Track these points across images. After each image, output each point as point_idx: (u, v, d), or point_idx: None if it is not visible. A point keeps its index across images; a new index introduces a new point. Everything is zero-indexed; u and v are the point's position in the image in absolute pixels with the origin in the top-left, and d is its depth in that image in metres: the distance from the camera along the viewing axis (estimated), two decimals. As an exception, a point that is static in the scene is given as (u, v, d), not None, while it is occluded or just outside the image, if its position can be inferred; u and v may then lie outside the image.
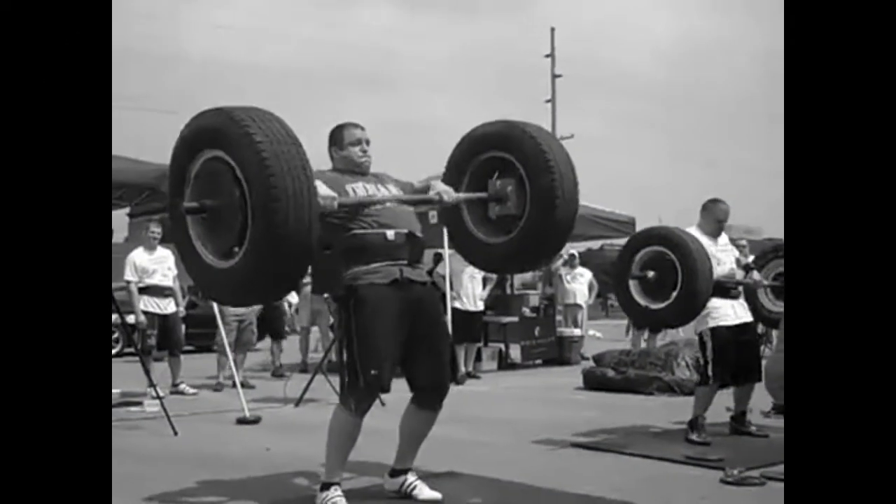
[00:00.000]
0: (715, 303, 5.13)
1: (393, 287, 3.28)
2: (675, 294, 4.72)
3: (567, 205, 3.50)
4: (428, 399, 3.48)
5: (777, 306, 5.55)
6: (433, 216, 8.49)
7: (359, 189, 3.41)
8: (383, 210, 3.37)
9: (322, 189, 3.08)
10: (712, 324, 5.14)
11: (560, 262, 11.49)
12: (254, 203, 2.68)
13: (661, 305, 4.84)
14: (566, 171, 3.50)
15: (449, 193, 3.49)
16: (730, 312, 5.18)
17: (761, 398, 5.61)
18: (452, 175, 3.77)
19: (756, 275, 5.47)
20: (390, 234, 3.32)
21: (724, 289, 5.18)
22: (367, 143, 3.55)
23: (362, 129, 3.58)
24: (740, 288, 5.32)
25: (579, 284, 11.67)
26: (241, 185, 2.72)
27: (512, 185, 3.55)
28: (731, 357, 5.12)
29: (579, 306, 11.61)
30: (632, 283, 4.95)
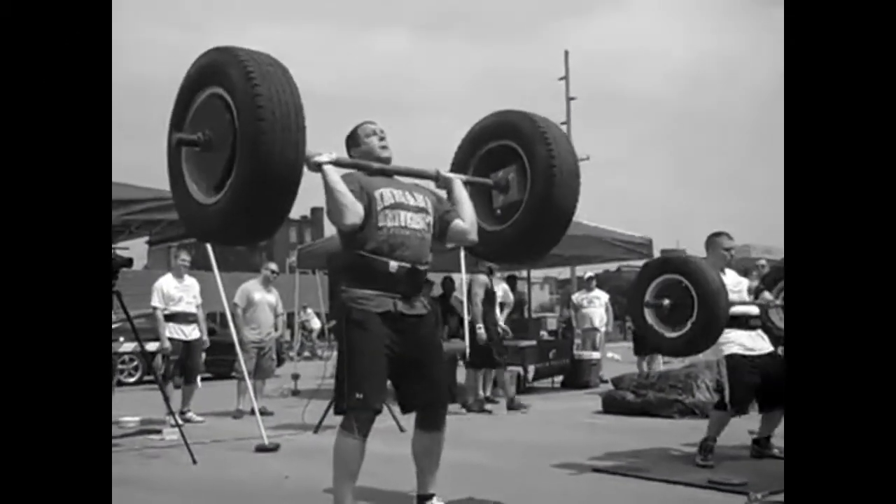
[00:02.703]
0: (729, 334, 5.11)
1: (384, 317, 3.30)
2: (690, 322, 4.71)
3: (566, 178, 3.49)
4: (427, 419, 3.47)
5: None
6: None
7: (386, 195, 3.40)
8: (396, 234, 3.36)
9: (335, 175, 3.19)
10: (726, 351, 5.16)
11: (577, 293, 11.50)
12: (241, 132, 2.68)
13: (678, 334, 4.83)
14: (563, 147, 3.51)
15: (449, 174, 3.61)
16: (744, 341, 5.19)
17: (784, 421, 5.54)
18: (458, 167, 3.80)
19: (767, 295, 5.45)
20: (393, 266, 3.32)
21: (740, 320, 5.17)
22: (383, 132, 3.58)
23: (374, 122, 3.62)
24: (758, 318, 5.32)
25: (595, 308, 11.63)
26: (231, 116, 2.73)
27: (513, 171, 3.59)
28: (749, 382, 5.10)
29: (597, 330, 11.57)
30: (647, 311, 4.96)
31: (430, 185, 3.68)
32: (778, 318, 5.59)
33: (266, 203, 2.77)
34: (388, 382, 3.40)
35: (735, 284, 5.25)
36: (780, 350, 8.53)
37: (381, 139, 3.57)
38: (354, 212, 3.24)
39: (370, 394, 3.22)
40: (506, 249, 3.75)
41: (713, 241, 5.34)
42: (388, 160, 3.54)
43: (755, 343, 5.23)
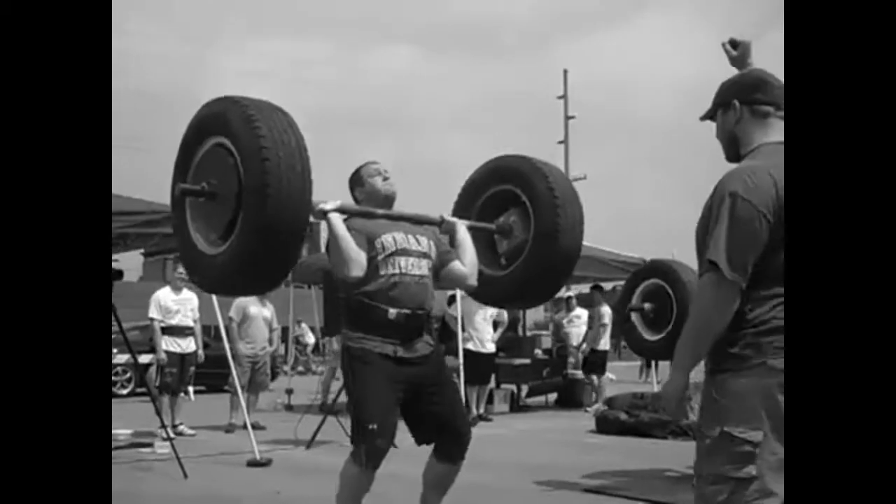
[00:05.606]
0: None
1: (385, 357, 3.25)
2: (670, 326, 4.72)
3: (570, 235, 3.49)
4: (448, 451, 3.39)
5: None
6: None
7: (388, 242, 3.33)
8: (396, 281, 3.29)
9: (340, 225, 3.12)
10: None
11: (560, 312, 11.48)
12: (246, 181, 2.62)
13: (658, 337, 4.86)
14: (570, 203, 3.51)
15: (453, 218, 3.55)
16: None
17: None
18: (459, 215, 3.77)
19: None
20: (392, 313, 3.25)
21: None
22: (387, 171, 3.53)
23: (377, 162, 3.57)
24: None
25: (574, 327, 11.52)
26: (235, 164, 2.68)
27: (515, 215, 3.57)
28: None
29: (575, 348, 11.48)
30: (633, 316, 4.99)
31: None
32: None
33: (271, 254, 2.70)
34: (399, 415, 3.34)
35: None
36: None
37: (385, 178, 3.51)
38: (358, 263, 3.15)
39: (383, 423, 3.16)
40: (511, 293, 3.71)
41: None
42: (392, 196, 3.49)
43: None
